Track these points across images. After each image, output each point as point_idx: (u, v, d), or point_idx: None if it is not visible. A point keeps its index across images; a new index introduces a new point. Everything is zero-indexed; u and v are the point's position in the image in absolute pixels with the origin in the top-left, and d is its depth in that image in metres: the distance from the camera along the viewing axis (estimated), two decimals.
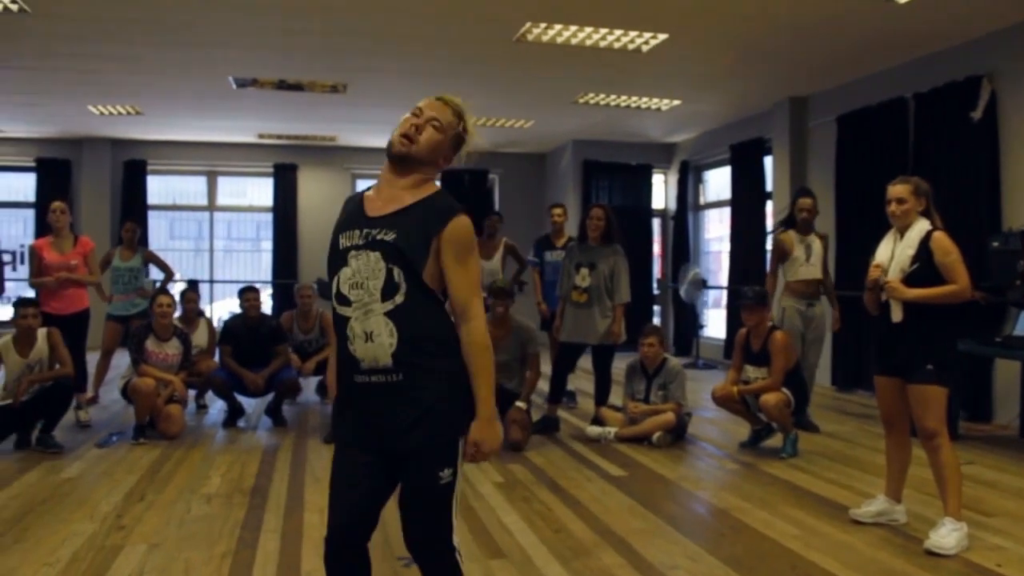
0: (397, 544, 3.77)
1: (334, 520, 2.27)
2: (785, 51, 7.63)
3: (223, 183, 13.33)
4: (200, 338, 7.07)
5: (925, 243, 3.88)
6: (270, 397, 6.74)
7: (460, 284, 2.23)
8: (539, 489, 4.81)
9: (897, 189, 3.98)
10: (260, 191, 13.32)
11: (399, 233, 2.19)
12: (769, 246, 8.58)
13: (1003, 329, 6.33)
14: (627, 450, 5.83)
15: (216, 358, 7.04)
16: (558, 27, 6.89)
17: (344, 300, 2.22)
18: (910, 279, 3.88)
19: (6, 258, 10.65)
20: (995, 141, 6.84)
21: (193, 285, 7.81)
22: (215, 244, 13.37)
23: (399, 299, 2.18)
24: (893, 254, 3.99)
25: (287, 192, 13.01)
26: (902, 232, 3.99)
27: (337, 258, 2.27)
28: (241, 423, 6.66)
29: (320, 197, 13.08)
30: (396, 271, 2.18)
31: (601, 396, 6.50)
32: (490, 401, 2.25)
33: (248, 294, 6.84)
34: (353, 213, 2.31)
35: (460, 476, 2.28)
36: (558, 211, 7.79)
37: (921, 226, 3.93)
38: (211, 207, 13.25)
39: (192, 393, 7.02)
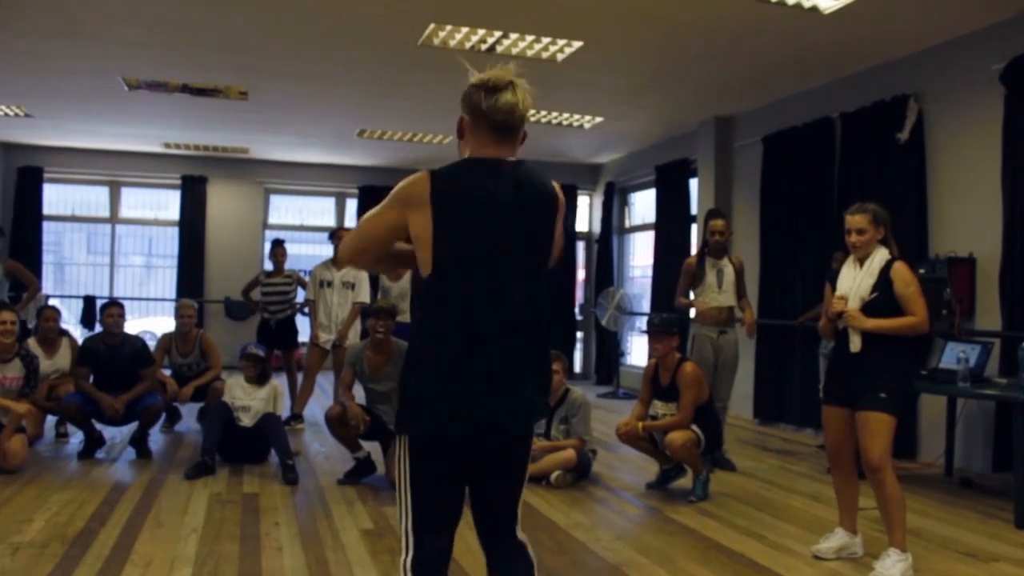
0: None
1: None
2: (710, 68, 7.24)
3: (127, 194, 12.55)
4: (62, 360, 6.39)
5: (886, 273, 3.81)
6: (136, 425, 6.05)
7: None
8: None
9: (856, 219, 3.87)
10: (168, 203, 12.57)
11: None
12: None
13: (928, 362, 5.96)
14: None
15: None
16: (465, 30, 6.41)
17: None
18: (868, 308, 3.80)
19: None
20: (922, 163, 6.50)
21: (91, 303, 7.08)
22: (117, 259, 12.59)
23: None
24: (855, 283, 3.87)
25: (196, 205, 12.28)
26: (862, 261, 3.89)
27: None
28: (100, 454, 5.96)
29: (232, 212, 12.43)
30: None
31: None
32: None
33: (110, 309, 6.13)
34: None
35: None
36: None
37: (882, 255, 3.86)
38: (113, 219, 12.46)
39: (51, 421, 6.34)
